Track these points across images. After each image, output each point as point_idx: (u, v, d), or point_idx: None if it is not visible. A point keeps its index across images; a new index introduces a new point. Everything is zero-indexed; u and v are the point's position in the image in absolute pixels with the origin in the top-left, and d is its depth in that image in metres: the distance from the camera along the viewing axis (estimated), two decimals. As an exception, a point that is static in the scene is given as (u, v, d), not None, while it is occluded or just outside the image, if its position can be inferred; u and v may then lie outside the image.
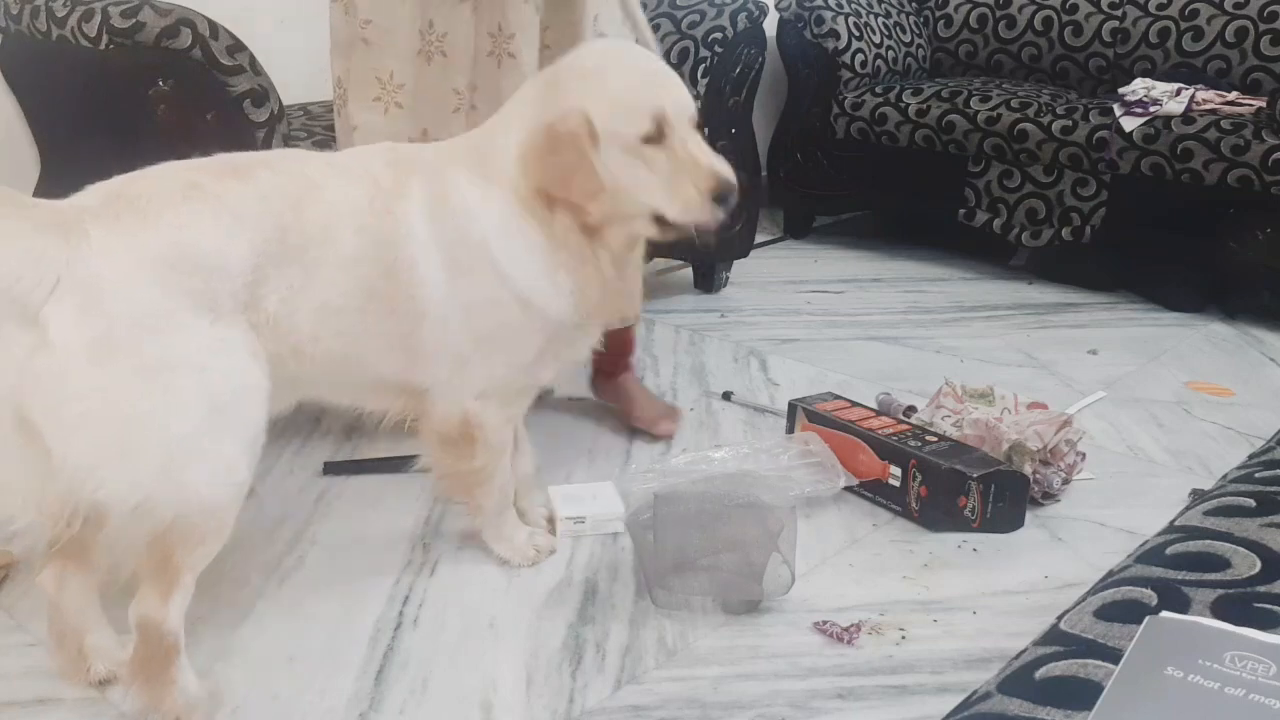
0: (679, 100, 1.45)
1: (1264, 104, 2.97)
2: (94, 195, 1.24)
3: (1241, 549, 0.96)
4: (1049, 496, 1.93)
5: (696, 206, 1.43)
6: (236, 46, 2.25)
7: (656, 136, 1.42)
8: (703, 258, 3.12)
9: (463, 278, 1.46)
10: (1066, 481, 1.96)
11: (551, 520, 1.82)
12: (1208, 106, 3.05)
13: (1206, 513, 1.06)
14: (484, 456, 1.59)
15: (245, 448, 1.26)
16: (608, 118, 1.42)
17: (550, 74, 1.51)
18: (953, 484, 1.83)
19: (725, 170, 1.43)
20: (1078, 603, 0.92)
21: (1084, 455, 2.02)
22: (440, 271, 1.44)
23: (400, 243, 1.42)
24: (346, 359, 1.44)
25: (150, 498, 1.18)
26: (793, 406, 2.14)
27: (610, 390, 2.26)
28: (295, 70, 2.85)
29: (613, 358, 2.14)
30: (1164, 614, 0.83)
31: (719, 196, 1.42)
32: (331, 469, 2.00)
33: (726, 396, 2.40)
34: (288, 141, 2.36)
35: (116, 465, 1.16)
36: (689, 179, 1.42)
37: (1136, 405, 2.42)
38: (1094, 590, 0.94)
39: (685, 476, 1.89)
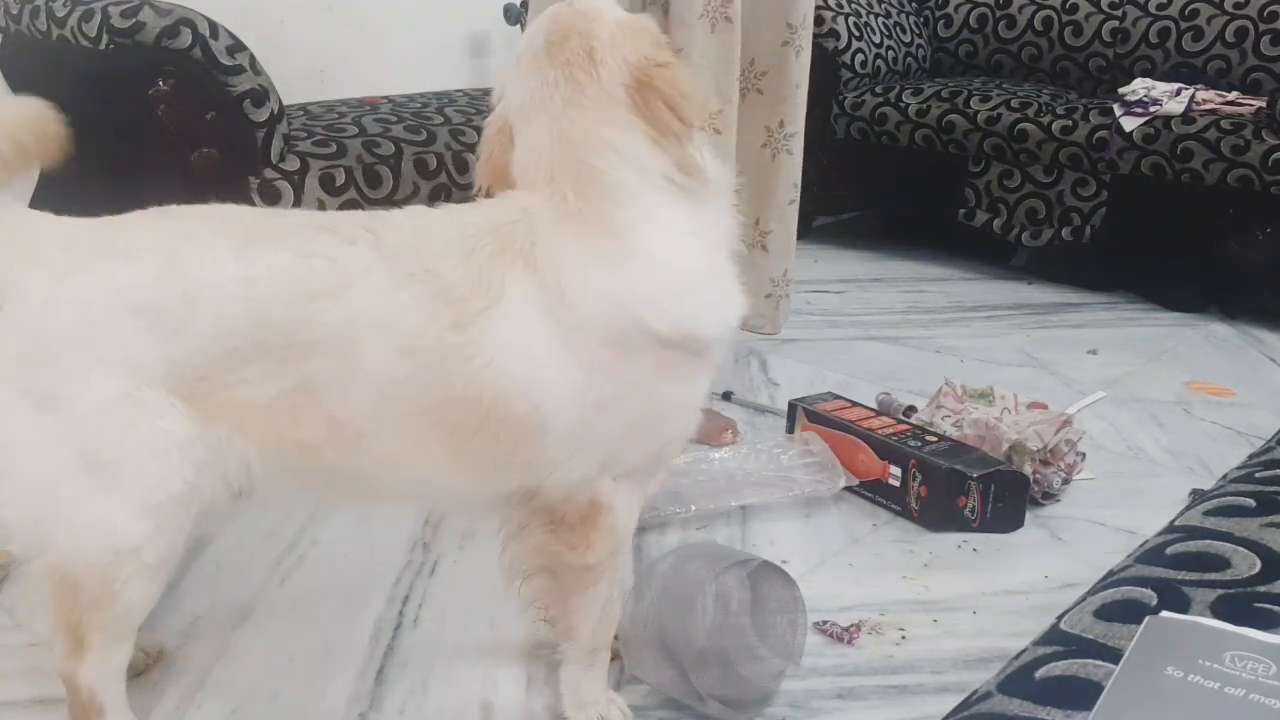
0: None
1: (1264, 104, 2.97)
2: (104, 223, 1.17)
3: (1241, 549, 0.96)
4: (1049, 496, 1.93)
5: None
6: (236, 46, 2.26)
7: None
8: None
9: (611, 369, 1.17)
10: (1066, 481, 1.96)
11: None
12: (1208, 106, 3.05)
13: (1206, 513, 1.06)
14: (603, 549, 1.26)
15: (138, 512, 1.12)
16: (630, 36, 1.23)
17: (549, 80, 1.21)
18: (953, 484, 1.83)
19: None
20: (1078, 603, 0.92)
21: (1084, 455, 2.02)
22: (570, 381, 1.16)
23: (489, 368, 1.14)
24: (397, 484, 1.24)
25: (23, 534, 1.14)
26: (793, 406, 2.14)
27: None
28: (295, 70, 2.86)
29: None
30: (1164, 614, 0.83)
31: None
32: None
33: (726, 396, 2.40)
34: (288, 141, 2.37)
35: None
36: None
37: (1136, 405, 2.42)
38: (1094, 590, 0.94)
39: (686, 476, 1.90)
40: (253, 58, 2.28)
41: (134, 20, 2.14)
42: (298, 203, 2.31)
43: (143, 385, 1.10)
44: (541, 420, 1.16)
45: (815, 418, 2.07)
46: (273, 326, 1.12)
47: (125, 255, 1.12)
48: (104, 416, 1.10)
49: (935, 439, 1.95)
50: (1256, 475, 1.16)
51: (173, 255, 1.12)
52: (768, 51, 2.03)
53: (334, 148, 2.44)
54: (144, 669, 1.43)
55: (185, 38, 2.16)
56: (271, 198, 2.28)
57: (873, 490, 1.94)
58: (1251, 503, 1.07)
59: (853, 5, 3.65)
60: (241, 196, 2.21)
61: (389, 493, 1.31)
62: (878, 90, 3.54)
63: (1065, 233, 3.23)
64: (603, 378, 1.17)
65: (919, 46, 3.92)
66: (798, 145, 2.15)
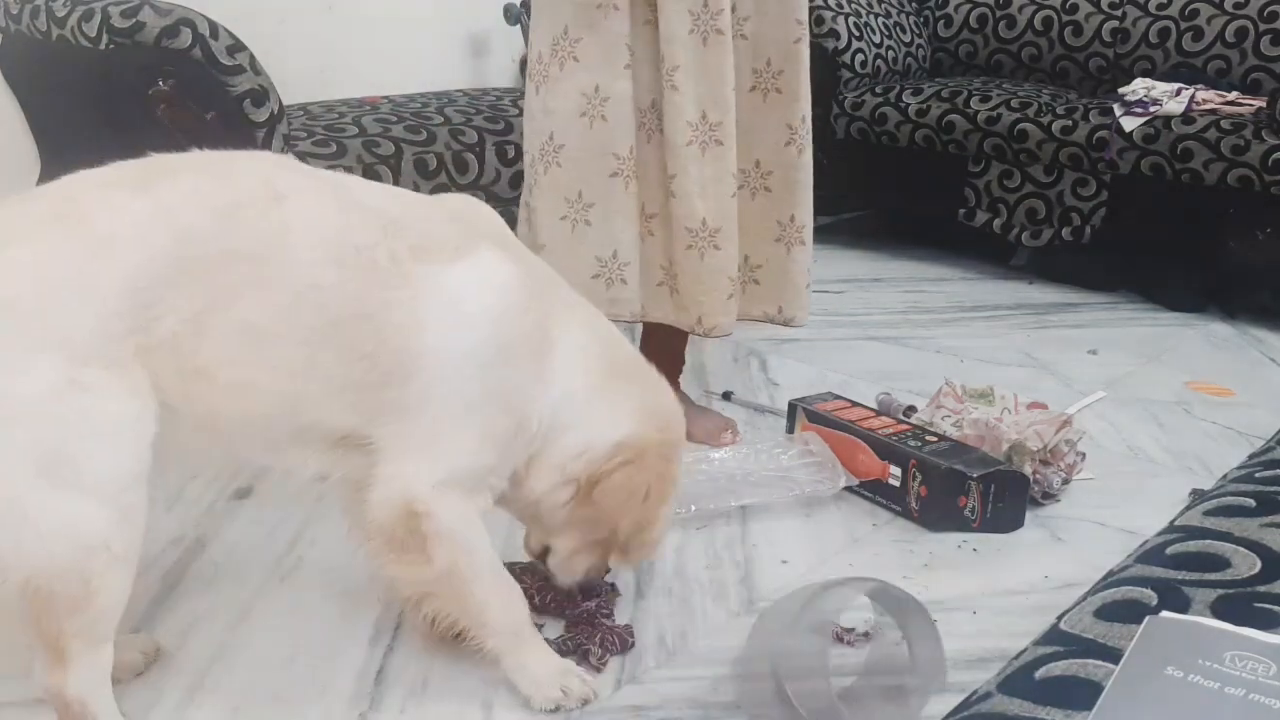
0: None
1: (1264, 104, 2.97)
2: None
3: (1241, 549, 0.96)
4: (1049, 496, 1.93)
5: None
6: (236, 46, 2.26)
7: None
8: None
9: (492, 374, 1.29)
10: (1066, 481, 1.96)
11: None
12: (1208, 106, 3.05)
13: (1206, 513, 1.06)
14: (446, 553, 1.30)
15: (99, 502, 1.11)
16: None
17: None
18: (953, 484, 1.83)
19: None
20: (1078, 603, 0.92)
21: (1084, 455, 2.02)
22: (468, 361, 1.27)
23: (418, 304, 1.24)
24: (276, 396, 1.24)
25: None
26: (793, 406, 2.14)
27: None
28: (295, 70, 2.85)
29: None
30: (1164, 614, 0.83)
31: None
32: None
33: (726, 396, 2.40)
34: (288, 141, 2.37)
35: None
36: None
37: (1136, 405, 2.42)
38: (1094, 590, 0.94)
39: (686, 476, 1.89)
40: (253, 58, 2.28)
41: (134, 20, 2.14)
42: (298, 203, 2.31)
43: (79, 365, 1.09)
44: (414, 370, 1.25)
45: (815, 418, 2.07)
46: (194, 242, 1.15)
47: (22, 236, 1.10)
48: (49, 408, 1.08)
49: (935, 439, 1.95)
50: (1256, 475, 1.16)
51: (70, 219, 1.12)
52: (782, 51, 2.02)
53: (334, 148, 2.44)
54: (143, 669, 1.42)
55: (185, 38, 2.17)
56: (271, 198, 2.28)
57: (873, 490, 1.94)
58: (1251, 503, 1.07)
59: (853, 5, 3.65)
60: (241, 196, 2.21)
61: (261, 404, 1.25)
62: (878, 90, 3.54)
63: (1065, 233, 3.23)
64: (488, 370, 1.28)
65: (919, 46, 3.92)
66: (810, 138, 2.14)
